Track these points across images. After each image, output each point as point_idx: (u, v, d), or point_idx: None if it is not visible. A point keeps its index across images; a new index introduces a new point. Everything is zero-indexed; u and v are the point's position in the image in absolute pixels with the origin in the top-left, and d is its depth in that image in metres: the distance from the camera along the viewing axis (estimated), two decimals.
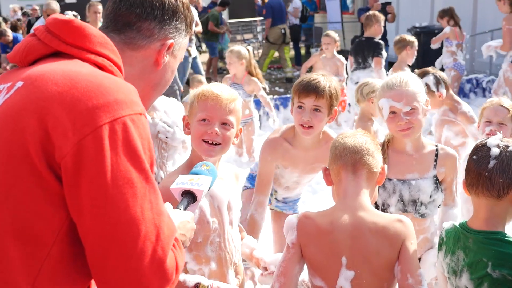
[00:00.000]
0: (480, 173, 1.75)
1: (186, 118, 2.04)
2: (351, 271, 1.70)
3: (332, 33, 6.93)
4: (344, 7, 12.75)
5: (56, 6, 7.80)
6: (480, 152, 1.78)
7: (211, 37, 11.37)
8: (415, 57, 6.18)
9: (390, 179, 2.36)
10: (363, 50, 6.37)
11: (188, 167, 1.97)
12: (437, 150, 2.40)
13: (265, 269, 2.13)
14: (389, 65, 9.58)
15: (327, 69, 6.37)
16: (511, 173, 1.72)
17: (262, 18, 12.35)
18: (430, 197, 2.36)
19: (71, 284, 1.11)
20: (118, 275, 1.06)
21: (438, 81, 3.60)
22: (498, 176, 1.72)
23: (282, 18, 10.71)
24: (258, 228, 2.73)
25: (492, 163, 1.73)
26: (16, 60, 1.23)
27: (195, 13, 8.92)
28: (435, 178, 2.37)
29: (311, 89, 2.48)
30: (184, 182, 1.59)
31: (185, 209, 1.53)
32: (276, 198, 3.19)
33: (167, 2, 1.38)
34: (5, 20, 12.79)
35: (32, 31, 1.27)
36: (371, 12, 6.75)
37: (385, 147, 2.41)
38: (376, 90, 2.84)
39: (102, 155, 1.04)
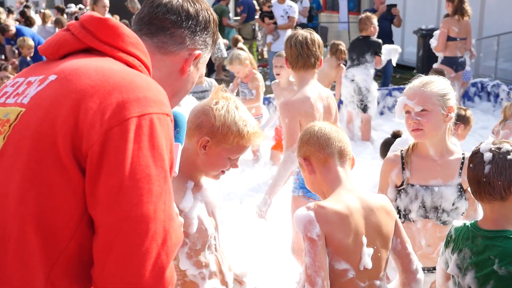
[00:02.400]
0: (478, 180, 1.79)
1: (207, 140, 1.89)
2: (370, 248, 1.81)
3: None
4: (350, 8, 12.73)
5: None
6: (475, 159, 1.83)
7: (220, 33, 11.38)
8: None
9: (412, 185, 2.35)
10: (360, 48, 6.42)
11: (181, 176, 1.83)
12: (463, 158, 2.35)
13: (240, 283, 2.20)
14: (395, 66, 9.58)
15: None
16: (508, 174, 1.75)
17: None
18: (453, 204, 2.32)
19: (85, 278, 1.10)
20: (118, 272, 1.03)
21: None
22: (496, 180, 1.75)
23: (252, 15, 11.57)
24: None
25: (487, 168, 1.77)
26: (47, 53, 1.25)
27: None
28: (459, 186, 2.33)
29: None
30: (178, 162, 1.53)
31: None
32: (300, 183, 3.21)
33: (201, 15, 1.43)
34: (10, 11, 12.77)
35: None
36: (362, 15, 6.77)
37: (409, 151, 2.40)
38: None
39: (124, 146, 1.05)
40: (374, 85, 6.51)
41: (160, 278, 1.05)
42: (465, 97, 7.90)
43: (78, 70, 1.13)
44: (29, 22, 10.65)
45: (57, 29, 9.82)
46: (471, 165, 1.83)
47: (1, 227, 1.07)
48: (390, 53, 6.78)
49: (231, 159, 1.94)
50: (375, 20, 6.56)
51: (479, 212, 2.39)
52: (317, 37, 3.29)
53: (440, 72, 5.61)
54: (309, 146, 1.89)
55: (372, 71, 6.46)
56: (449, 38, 6.87)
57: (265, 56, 11.46)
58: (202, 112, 1.92)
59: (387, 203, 1.92)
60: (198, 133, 1.90)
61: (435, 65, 6.99)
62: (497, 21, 9.64)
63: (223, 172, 1.98)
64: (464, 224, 1.92)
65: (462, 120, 4.67)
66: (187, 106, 3.19)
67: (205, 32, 1.44)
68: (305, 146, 1.90)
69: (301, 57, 3.19)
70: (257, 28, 12.01)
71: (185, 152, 1.90)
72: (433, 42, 7.13)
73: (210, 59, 10.25)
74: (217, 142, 1.89)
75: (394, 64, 6.73)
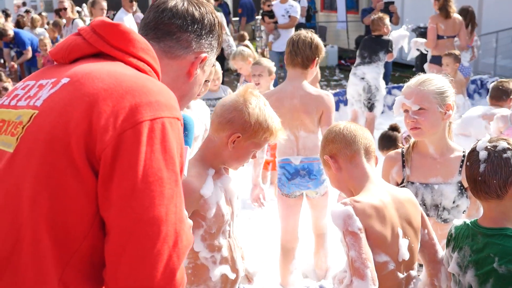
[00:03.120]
0: (475, 179, 1.79)
1: (238, 136, 1.98)
2: (405, 239, 1.84)
3: (265, 61, 4.87)
4: (349, 7, 12.74)
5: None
6: (471, 157, 1.83)
7: None
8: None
9: (412, 183, 2.35)
10: (372, 46, 6.43)
11: (203, 163, 2.05)
12: (463, 156, 2.34)
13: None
14: (393, 64, 9.58)
15: None
16: (503, 172, 1.74)
17: (258, 17, 12.42)
18: (454, 202, 2.32)
19: (96, 279, 1.12)
20: (130, 274, 1.04)
21: None
22: (491, 178, 1.75)
23: (252, 16, 11.73)
24: None
25: (482, 167, 1.77)
26: (58, 56, 1.27)
27: None
28: (459, 184, 2.32)
29: None
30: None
31: None
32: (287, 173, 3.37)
33: (206, 18, 1.45)
34: (7, 15, 12.77)
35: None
36: (375, 16, 6.76)
37: (410, 149, 2.40)
38: None
39: (137, 150, 1.07)
40: (383, 84, 6.51)
41: (171, 280, 1.07)
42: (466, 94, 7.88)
43: (91, 73, 1.15)
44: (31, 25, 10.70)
45: (57, 33, 9.79)
46: (467, 163, 1.84)
47: (15, 228, 1.08)
48: (399, 41, 6.72)
49: (253, 152, 2.07)
50: (387, 20, 6.59)
51: (481, 211, 2.38)
52: (314, 38, 3.34)
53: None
54: (335, 144, 1.92)
55: (383, 70, 6.49)
56: (437, 37, 6.88)
57: (267, 56, 11.43)
58: (234, 108, 2.00)
59: (413, 196, 1.98)
60: (229, 128, 1.99)
61: (425, 65, 7.01)
62: (495, 18, 9.64)
63: (243, 164, 2.09)
64: (464, 222, 1.92)
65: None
66: (197, 110, 3.20)
67: (211, 35, 1.46)
68: (330, 144, 1.94)
69: (290, 55, 3.32)
70: (260, 28, 12.08)
71: (210, 143, 2.07)
72: (419, 40, 7.15)
73: (222, 55, 10.26)
74: (246, 138, 1.99)
75: (406, 50, 6.69)
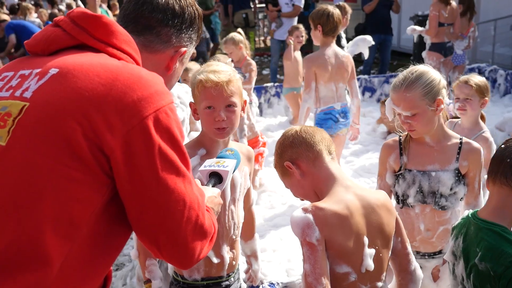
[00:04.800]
0: (502, 160, 1.76)
1: (193, 105, 2.13)
2: (372, 249, 1.71)
3: (237, 36, 5.39)
4: None
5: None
6: (509, 141, 1.81)
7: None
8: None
9: (410, 170, 2.35)
10: None
11: (196, 144, 2.12)
12: (461, 143, 2.36)
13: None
14: (392, 53, 9.56)
15: None
16: None
17: (263, 5, 12.30)
18: (451, 189, 2.33)
19: (95, 266, 1.17)
20: (170, 245, 1.20)
21: None
22: None
23: (242, 3, 11.42)
24: None
25: None
26: (37, 48, 1.25)
27: None
28: (456, 171, 2.34)
29: None
30: (211, 164, 1.71)
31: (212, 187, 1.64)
32: None
33: (187, 12, 1.45)
34: (1, 3, 12.67)
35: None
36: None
37: (408, 137, 2.41)
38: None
39: (151, 144, 1.13)
40: None
41: (203, 232, 1.25)
42: None
43: (83, 66, 1.15)
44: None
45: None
46: (503, 145, 1.81)
47: (15, 222, 1.06)
48: (358, 45, 5.94)
49: (208, 109, 2.03)
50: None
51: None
52: (337, 12, 4.24)
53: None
54: (294, 148, 1.79)
55: None
56: (438, 24, 6.84)
57: (269, 44, 11.37)
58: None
59: (387, 200, 1.82)
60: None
61: (423, 53, 6.97)
62: (493, 6, 9.61)
63: (217, 129, 2.04)
64: (468, 213, 1.91)
65: None
66: (182, 94, 3.28)
67: (191, 29, 1.46)
68: (289, 150, 1.80)
69: (331, 25, 4.18)
70: (258, 16, 12.02)
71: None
72: (417, 28, 7.05)
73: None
74: (195, 102, 2.09)
75: (365, 57, 6.03)
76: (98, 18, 1.24)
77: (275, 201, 4.83)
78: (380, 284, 1.76)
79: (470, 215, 1.87)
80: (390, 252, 1.80)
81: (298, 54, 6.64)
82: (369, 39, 5.87)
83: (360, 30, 9.21)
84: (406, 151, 2.38)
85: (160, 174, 1.15)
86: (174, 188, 1.17)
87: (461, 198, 2.39)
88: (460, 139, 2.38)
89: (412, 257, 1.89)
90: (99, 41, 1.23)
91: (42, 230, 1.06)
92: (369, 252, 1.70)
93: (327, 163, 1.78)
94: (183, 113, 3.31)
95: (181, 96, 3.36)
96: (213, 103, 2.02)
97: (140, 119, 1.12)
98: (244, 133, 4.36)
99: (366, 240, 1.69)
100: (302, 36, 6.53)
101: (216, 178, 1.69)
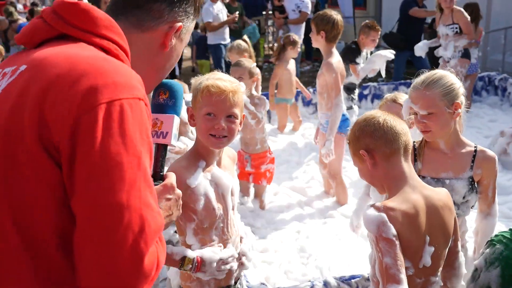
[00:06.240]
0: None
1: (190, 110, 2.06)
2: (432, 247, 1.80)
3: (246, 62, 4.60)
4: (357, 3, 12.66)
5: None
6: None
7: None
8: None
9: (424, 177, 2.34)
10: (343, 52, 6.04)
11: (195, 155, 2.05)
12: (475, 151, 2.35)
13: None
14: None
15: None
16: None
17: (270, 12, 12.33)
18: (464, 197, 2.31)
19: (69, 268, 1.08)
20: (95, 262, 1.01)
21: None
22: None
23: (255, 11, 11.62)
24: None
25: None
26: (22, 41, 1.22)
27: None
28: (470, 179, 2.32)
29: None
30: (176, 134, 1.48)
31: (161, 168, 1.44)
32: None
33: None
34: (13, 5, 12.83)
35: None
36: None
37: (423, 143, 2.39)
38: None
39: (94, 135, 1.02)
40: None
41: (139, 266, 1.02)
42: (473, 91, 7.82)
43: (47, 59, 1.11)
44: None
45: None
46: None
47: None
48: (374, 61, 5.58)
49: (207, 118, 1.97)
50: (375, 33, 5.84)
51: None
52: (339, 18, 4.39)
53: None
54: (373, 139, 1.82)
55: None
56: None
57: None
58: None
59: (450, 200, 1.90)
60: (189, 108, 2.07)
61: (454, 61, 6.82)
62: (504, 14, 9.56)
63: (213, 137, 1.97)
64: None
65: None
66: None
67: (185, 2, 1.37)
68: (367, 138, 1.83)
69: (337, 33, 4.36)
70: (267, 23, 12.04)
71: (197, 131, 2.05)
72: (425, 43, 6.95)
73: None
74: (194, 108, 2.02)
75: (382, 74, 5.63)
76: (75, 5, 1.18)
77: (277, 203, 4.84)
78: (434, 278, 1.86)
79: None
80: (447, 250, 1.89)
81: (292, 65, 6.61)
82: (386, 54, 5.54)
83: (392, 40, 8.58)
84: (421, 157, 2.37)
85: (96, 172, 1.01)
86: (109, 193, 1.00)
87: (472, 206, 2.36)
88: (475, 146, 2.36)
89: (461, 254, 1.98)
90: (78, 29, 1.18)
91: (6, 233, 1.03)
92: (429, 250, 1.79)
93: (401, 162, 1.83)
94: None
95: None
96: (215, 110, 1.97)
97: (88, 108, 1.02)
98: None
99: (427, 238, 1.78)
100: (299, 48, 6.67)
101: (162, 150, 1.45)
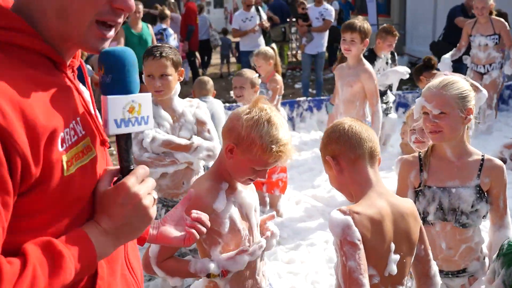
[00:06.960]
0: None
1: (232, 146, 1.94)
2: (397, 254, 1.77)
3: (248, 73, 4.59)
4: (380, 11, 12.61)
5: None
6: None
7: None
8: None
9: (430, 187, 2.33)
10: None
11: (217, 176, 1.98)
12: (482, 159, 2.33)
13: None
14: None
15: None
16: None
17: (293, 19, 12.36)
18: (472, 206, 2.29)
19: None
20: None
21: None
22: None
23: (281, 18, 11.66)
24: None
25: None
26: None
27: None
28: (478, 188, 2.30)
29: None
30: (124, 118, 1.17)
31: (128, 161, 1.20)
32: None
33: None
34: None
35: None
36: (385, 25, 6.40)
37: (429, 152, 2.39)
38: None
39: None
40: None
41: None
42: (500, 100, 7.71)
43: None
44: None
45: None
46: None
47: None
48: (388, 76, 5.56)
49: (255, 169, 1.91)
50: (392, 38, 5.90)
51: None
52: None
53: None
54: (338, 145, 1.83)
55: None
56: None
57: (300, 58, 11.39)
58: (234, 117, 1.92)
59: (415, 209, 1.90)
60: (228, 137, 1.93)
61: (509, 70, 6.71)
62: None
63: (250, 180, 1.97)
64: None
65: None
66: (218, 108, 3.22)
67: None
68: (333, 144, 1.84)
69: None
70: (291, 31, 12.06)
71: (221, 152, 1.99)
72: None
73: (209, 46, 10.18)
74: (242, 151, 1.88)
75: (394, 89, 5.57)
76: None
77: (300, 212, 4.83)
78: (400, 287, 1.83)
79: None
80: (413, 258, 1.87)
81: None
82: (401, 71, 5.45)
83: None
84: (427, 167, 2.36)
85: None
86: None
87: (484, 216, 2.33)
88: (482, 155, 2.35)
89: (433, 262, 1.96)
90: None
91: None
92: (394, 257, 1.77)
93: (366, 168, 1.82)
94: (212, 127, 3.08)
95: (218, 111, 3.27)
96: (263, 169, 1.91)
97: None
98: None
99: (392, 246, 1.76)
100: None
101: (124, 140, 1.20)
